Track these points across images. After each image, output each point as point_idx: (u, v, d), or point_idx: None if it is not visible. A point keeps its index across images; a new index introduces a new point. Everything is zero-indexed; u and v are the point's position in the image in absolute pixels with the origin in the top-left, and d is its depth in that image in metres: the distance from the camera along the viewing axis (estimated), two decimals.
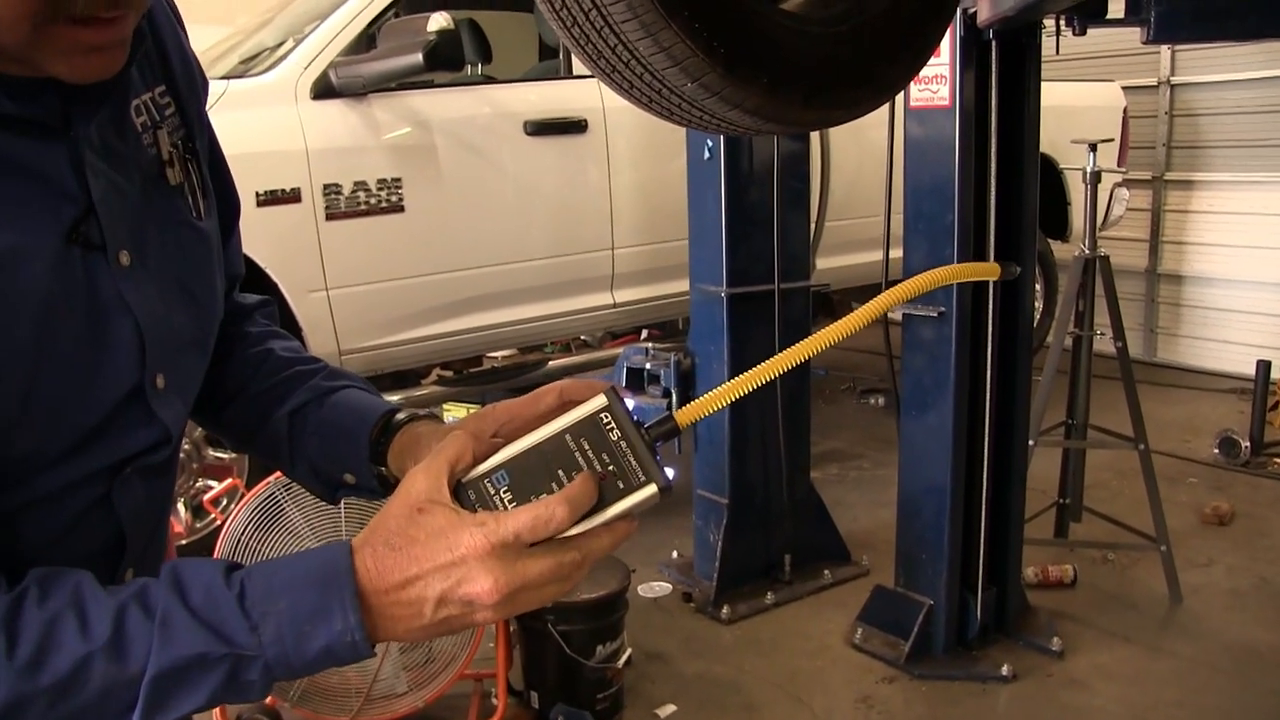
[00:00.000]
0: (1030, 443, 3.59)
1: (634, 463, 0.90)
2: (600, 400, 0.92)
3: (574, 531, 0.88)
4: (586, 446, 0.91)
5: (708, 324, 3.84)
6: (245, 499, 3.00)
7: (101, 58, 0.89)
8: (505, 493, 0.90)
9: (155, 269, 1.01)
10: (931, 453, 3.40)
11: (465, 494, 0.90)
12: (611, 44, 1.41)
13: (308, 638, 0.85)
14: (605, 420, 0.91)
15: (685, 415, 0.94)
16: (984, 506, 3.40)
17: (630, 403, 0.91)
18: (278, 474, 2.92)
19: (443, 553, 0.86)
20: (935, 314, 3.29)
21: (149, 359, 0.99)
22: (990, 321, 3.28)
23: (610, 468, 0.90)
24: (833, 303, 5.53)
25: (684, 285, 4.03)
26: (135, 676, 0.82)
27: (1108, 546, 4.15)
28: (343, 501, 2.84)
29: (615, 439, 0.90)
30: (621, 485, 0.90)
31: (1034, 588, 3.86)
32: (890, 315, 3.56)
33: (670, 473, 0.91)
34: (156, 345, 1.00)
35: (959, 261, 3.18)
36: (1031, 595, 3.75)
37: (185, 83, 1.12)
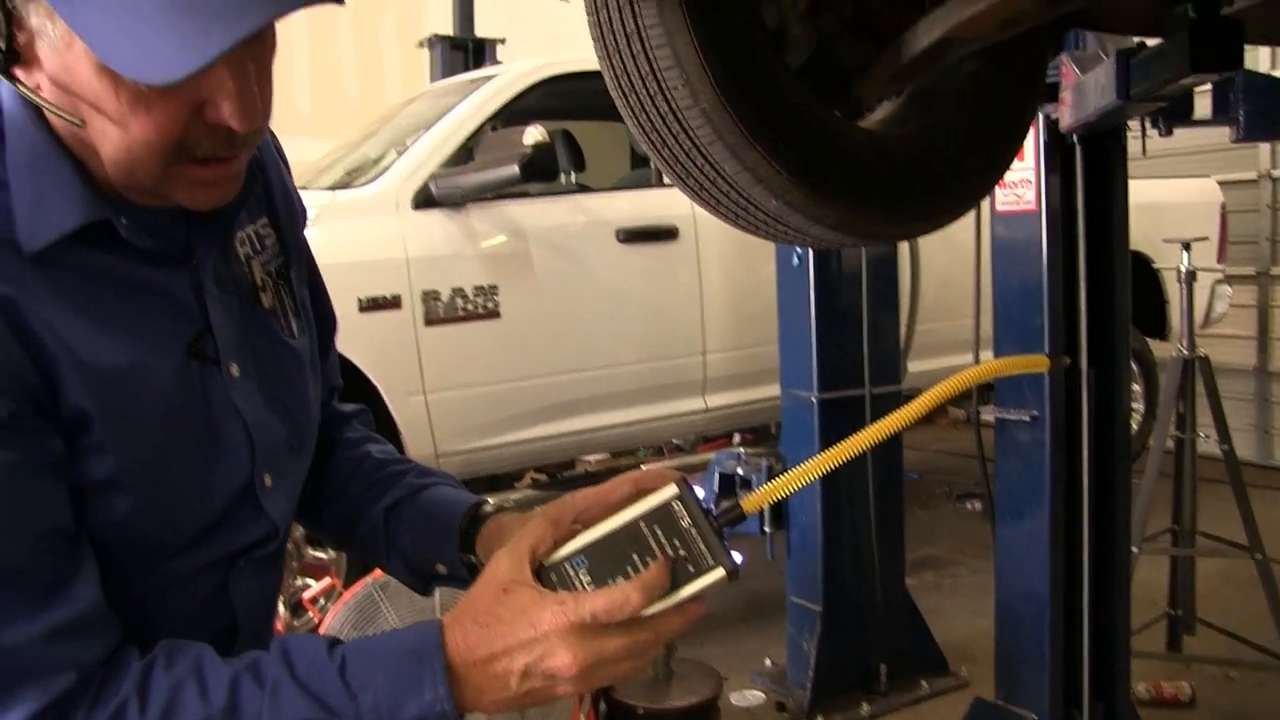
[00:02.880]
0: (1134, 549, 3.51)
1: (703, 548, 0.96)
2: (672, 489, 0.98)
3: (648, 612, 0.94)
4: (659, 532, 0.97)
5: (799, 429, 3.85)
6: (343, 598, 3.06)
7: (219, 190, 1.01)
8: (584, 574, 0.97)
9: (258, 379, 1.12)
10: (1028, 559, 3.35)
11: (547, 575, 0.97)
12: (699, 164, 1.47)
13: (401, 707, 0.93)
14: (676, 508, 0.98)
15: (751, 502, 1.01)
16: (1085, 615, 3.33)
17: (699, 491, 0.97)
18: (374, 574, 2.98)
19: (526, 629, 0.93)
20: (1028, 417, 3.26)
21: (258, 459, 1.11)
22: (1085, 423, 3.25)
23: (681, 553, 0.96)
24: None
25: (775, 390, 4.05)
26: None
27: (1228, 663, 3.95)
28: (437, 605, 2.88)
29: (685, 525, 0.97)
30: (692, 569, 0.96)
31: (1147, 705, 3.69)
32: (984, 418, 3.55)
33: (738, 558, 0.97)
34: (263, 447, 1.11)
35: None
36: (1145, 713, 3.59)
37: (286, 215, 1.25)
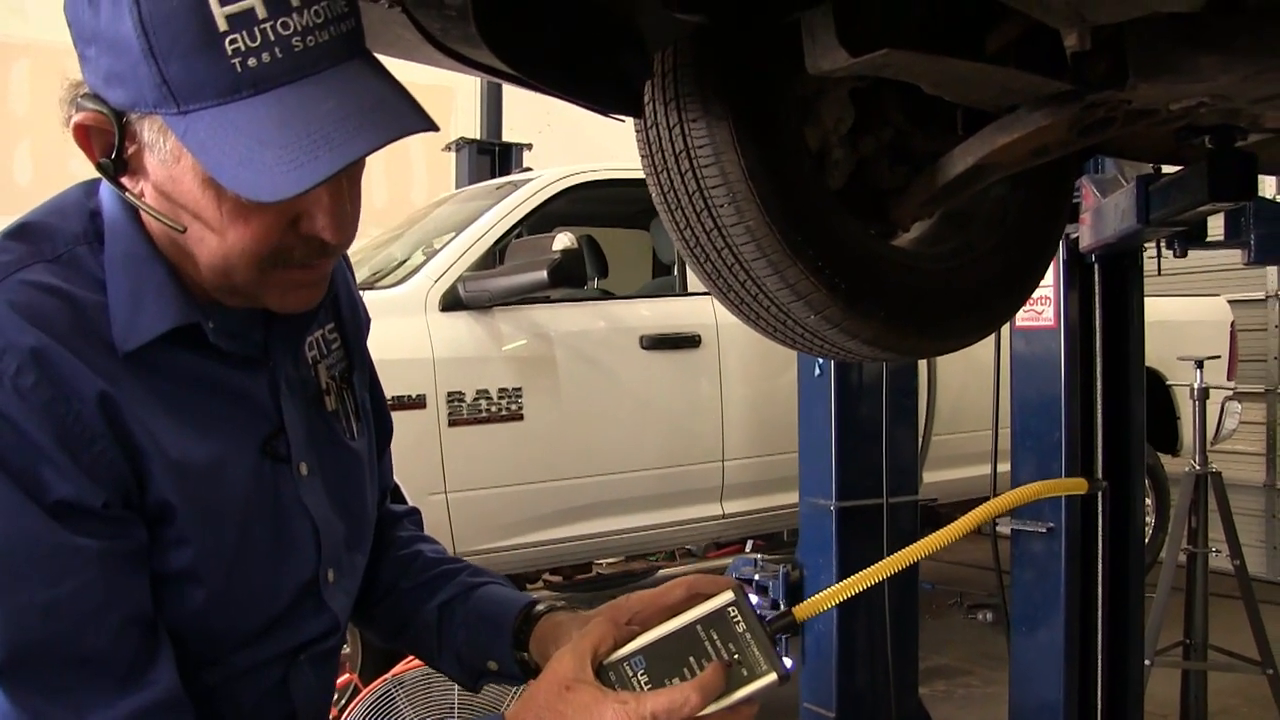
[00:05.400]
0: (1146, 662, 3.52)
1: (757, 653, 1.00)
2: (728, 595, 1.02)
3: (703, 713, 0.97)
4: (715, 636, 1.01)
5: (817, 536, 3.87)
6: (361, 695, 3.07)
7: (307, 294, 1.07)
8: (642, 675, 1.00)
9: (322, 478, 1.16)
10: (1043, 670, 3.35)
11: (607, 674, 1.00)
12: (741, 278, 1.54)
13: None
14: (732, 614, 1.01)
15: (803, 611, 1.04)
16: None
17: (754, 598, 1.02)
18: (392, 671, 3.00)
19: None
20: (1044, 529, 3.30)
21: (323, 555, 1.15)
22: (1100, 536, 3.28)
23: (735, 656, 1.00)
24: (939, 516, 5.52)
25: (791, 497, 4.08)
26: None
27: None
28: (455, 704, 2.88)
29: (740, 630, 1.00)
30: (745, 673, 0.99)
31: None
32: (999, 529, 3.59)
33: (789, 663, 1.00)
34: (328, 544, 1.15)
35: (1066, 476, 3.20)
36: None
37: (351, 322, 1.30)
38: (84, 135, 0.98)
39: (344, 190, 1.01)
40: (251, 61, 0.90)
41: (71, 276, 1.01)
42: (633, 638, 1.04)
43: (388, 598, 1.37)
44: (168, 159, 0.96)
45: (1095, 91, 1.34)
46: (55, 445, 0.94)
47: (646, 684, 1.00)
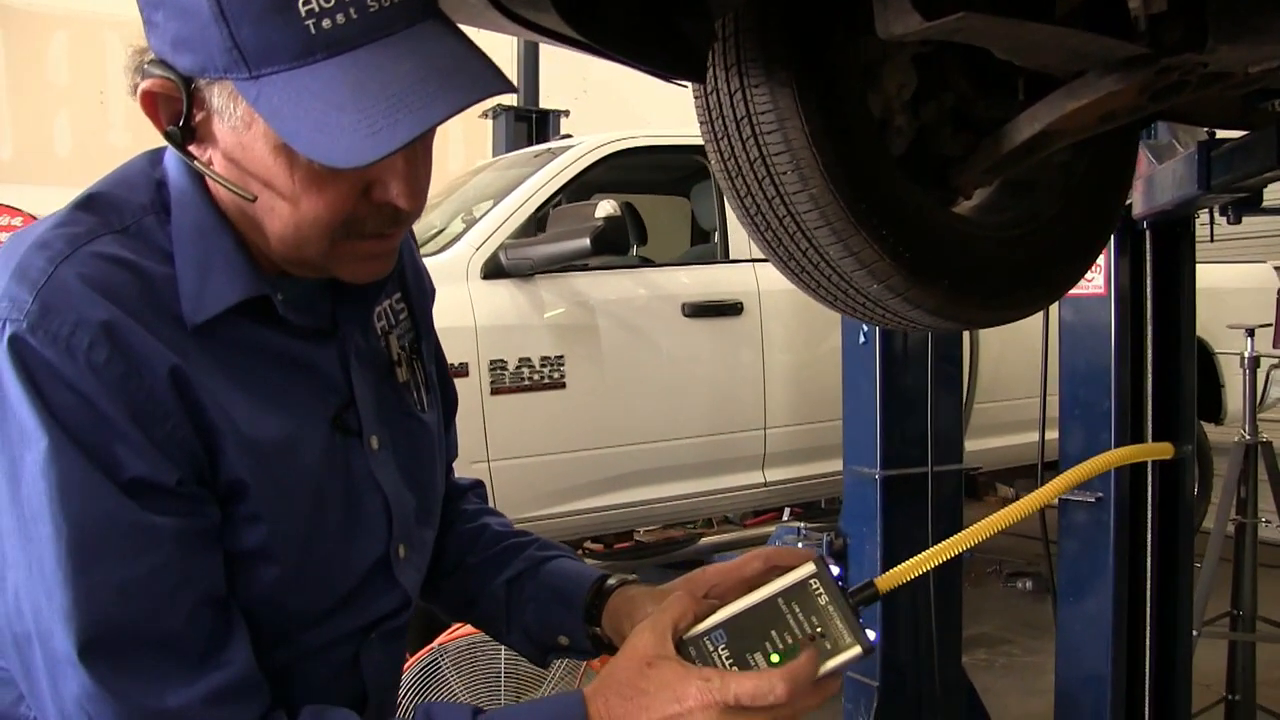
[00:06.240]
0: (1194, 633, 3.49)
1: (840, 625, 0.98)
2: (810, 568, 1.00)
3: None
4: (797, 609, 0.99)
5: (861, 505, 3.85)
6: (407, 665, 3.08)
7: (378, 264, 1.05)
8: (723, 649, 0.98)
9: (393, 452, 1.15)
10: (1090, 642, 3.33)
11: (687, 649, 0.99)
12: (803, 247, 1.52)
13: None
14: (814, 586, 0.99)
15: (885, 581, 1.02)
16: (1146, 700, 3.30)
17: (835, 569, 0.99)
18: (439, 640, 3.01)
19: (671, 704, 0.94)
20: (1093, 499, 3.27)
21: (395, 531, 1.13)
22: (1150, 506, 3.25)
23: (818, 629, 0.98)
24: (978, 485, 5.50)
25: (833, 465, 4.07)
26: None
27: None
28: (502, 672, 2.89)
29: (823, 604, 0.98)
30: (830, 646, 0.98)
31: None
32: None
33: (872, 635, 0.98)
34: (400, 519, 1.14)
35: (1116, 446, 3.17)
36: None
37: (417, 291, 1.28)
38: (151, 103, 0.96)
39: (418, 156, 0.99)
40: (326, 23, 0.88)
41: (140, 248, 0.99)
42: (712, 611, 1.02)
43: (455, 573, 1.36)
44: (238, 125, 0.94)
45: (1172, 55, 1.31)
46: (129, 422, 0.92)
47: (728, 658, 0.98)
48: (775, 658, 0.97)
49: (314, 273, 1.05)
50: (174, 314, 0.98)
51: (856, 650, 0.97)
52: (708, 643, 0.99)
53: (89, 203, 1.02)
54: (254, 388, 1.02)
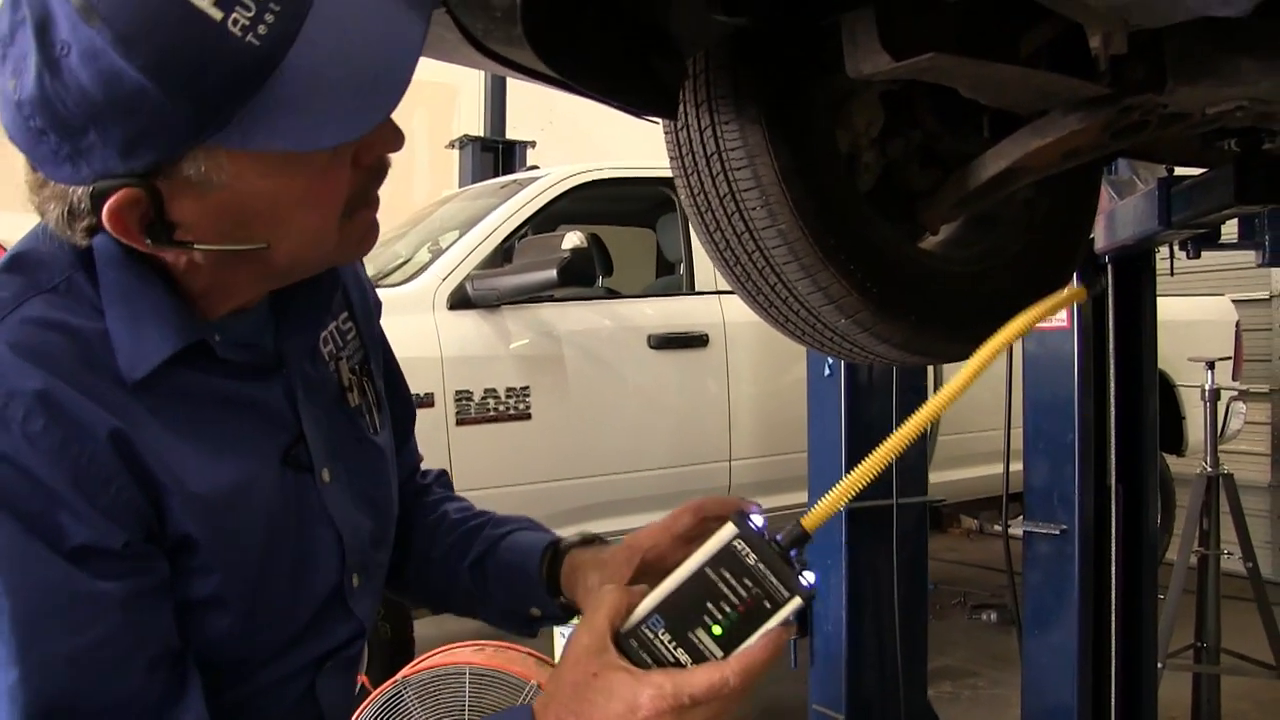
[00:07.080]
0: (1159, 665, 3.52)
1: (775, 581, 0.93)
2: (729, 529, 0.95)
3: (735, 654, 0.93)
4: (728, 575, 0.94)
5: (825, 537, 3.86)
6: (370, 697, 3.05)
7: (373, 233, 1.05)
8: (664, 634, 0.95)
9: (346, 481, 1.14)
10: (1056, 673, 3.35)
11: (628, 643, 0.95)
12: (771, 281, 1.53)
13: None
14: (739, 547, 0.94)
15: (812, 520, 0.96)
16: None
17: (757, 519, 0.96)
18: (402, 673, 2.99)
19: (625, 716, 0.91)
20: (1057, 531, 3.29)
21: (348, 561, 1.13)
22: (1114, 538, 3.27)
23: (754, 590, 0.94)
24: (943, 516, 5.52)
25: (798, 497, 4.08)
26: None
27: None
28: (466, 705, 2.87)
29: (752, 563, 0.94)
30: (768, 605, 0.94)
31: None
32: (1011, 531, 3.58)
33: (810, 576, 0.94)
34: (353, 549, 1.13)
35: (1080, 481, 3.20)
36: None
37: (361, 308, 1.27)
38: (121, 220, 0.92)
39: None
40: (261, 29, 0.85)
41: (72, 305, 0.96)
42: (644, 596, 0.97)
43: (422, 570, 1.36)
44: (225, 179, 0.91)
45: (1133, 95, 1.34)
46: (71, 489, 0.90)
47: (671, 643, 0.95)
48: (717, 629, 0.94)
49: (320, 268, 1.06)
50: (112, 371, 0.95)
51: (796, 601, 0.94)
52: (646, 631, 0.96)
53: (14, 263, 0.99)
54: (201, 437, 0.99)
